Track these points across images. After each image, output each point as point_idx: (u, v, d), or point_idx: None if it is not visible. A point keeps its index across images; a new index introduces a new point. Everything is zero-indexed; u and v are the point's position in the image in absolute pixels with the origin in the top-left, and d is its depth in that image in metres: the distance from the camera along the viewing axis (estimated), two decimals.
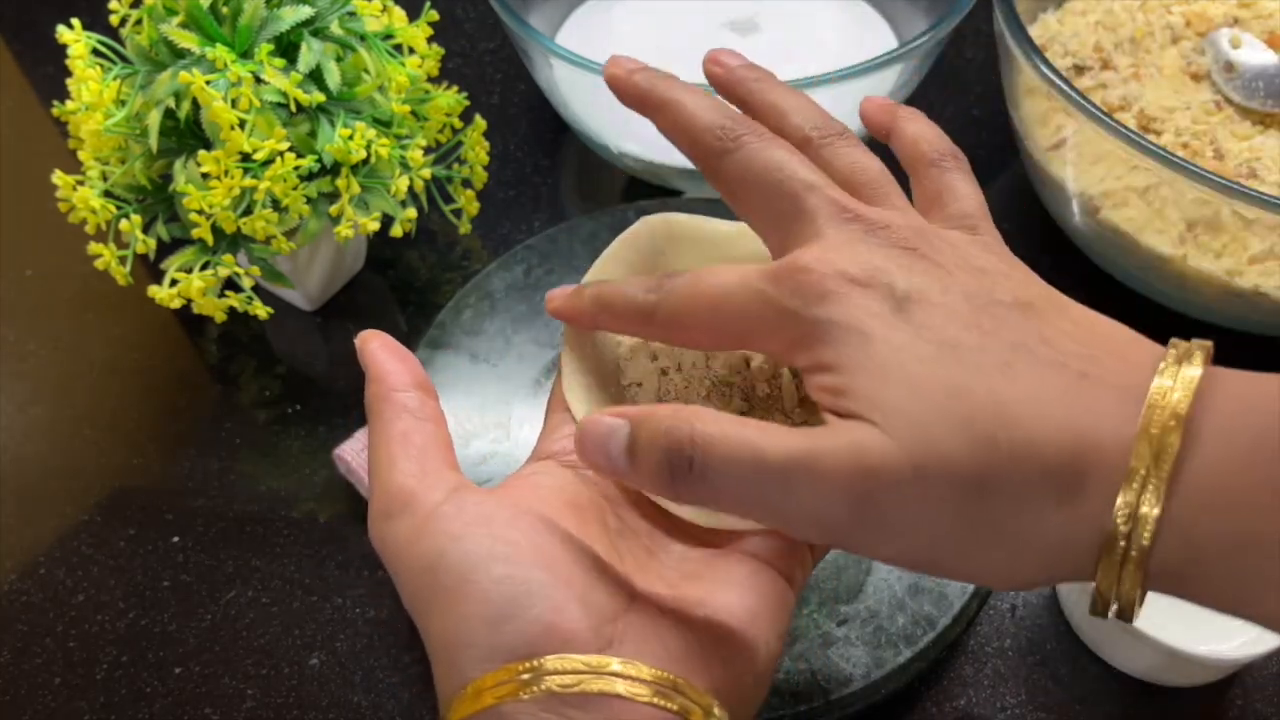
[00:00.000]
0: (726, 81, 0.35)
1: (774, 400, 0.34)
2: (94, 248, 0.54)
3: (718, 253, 0.37)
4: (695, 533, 0.33)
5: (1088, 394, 0.26)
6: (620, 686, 0.27)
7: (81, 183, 0.54)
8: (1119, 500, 0.25)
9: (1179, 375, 0.26)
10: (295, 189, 0.51)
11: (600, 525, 0.32)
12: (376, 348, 0.33)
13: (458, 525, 0.29)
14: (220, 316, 0.55)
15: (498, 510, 0.29)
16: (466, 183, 0.62)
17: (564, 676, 0.27)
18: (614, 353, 0.37)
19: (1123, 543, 0.25)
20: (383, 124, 0.56)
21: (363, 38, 0.55)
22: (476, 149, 0.61)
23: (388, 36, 0.57)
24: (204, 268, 0.53)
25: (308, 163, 0.52)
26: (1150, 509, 0.25)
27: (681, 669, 0.28)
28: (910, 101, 0.70)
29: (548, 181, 0.71)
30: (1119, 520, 0.25)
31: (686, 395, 0.35)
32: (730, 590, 0.30)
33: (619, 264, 0.37)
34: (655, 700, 0.27)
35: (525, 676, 0.27)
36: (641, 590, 0.30)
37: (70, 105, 0.55)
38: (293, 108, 0.52)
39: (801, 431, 0.27)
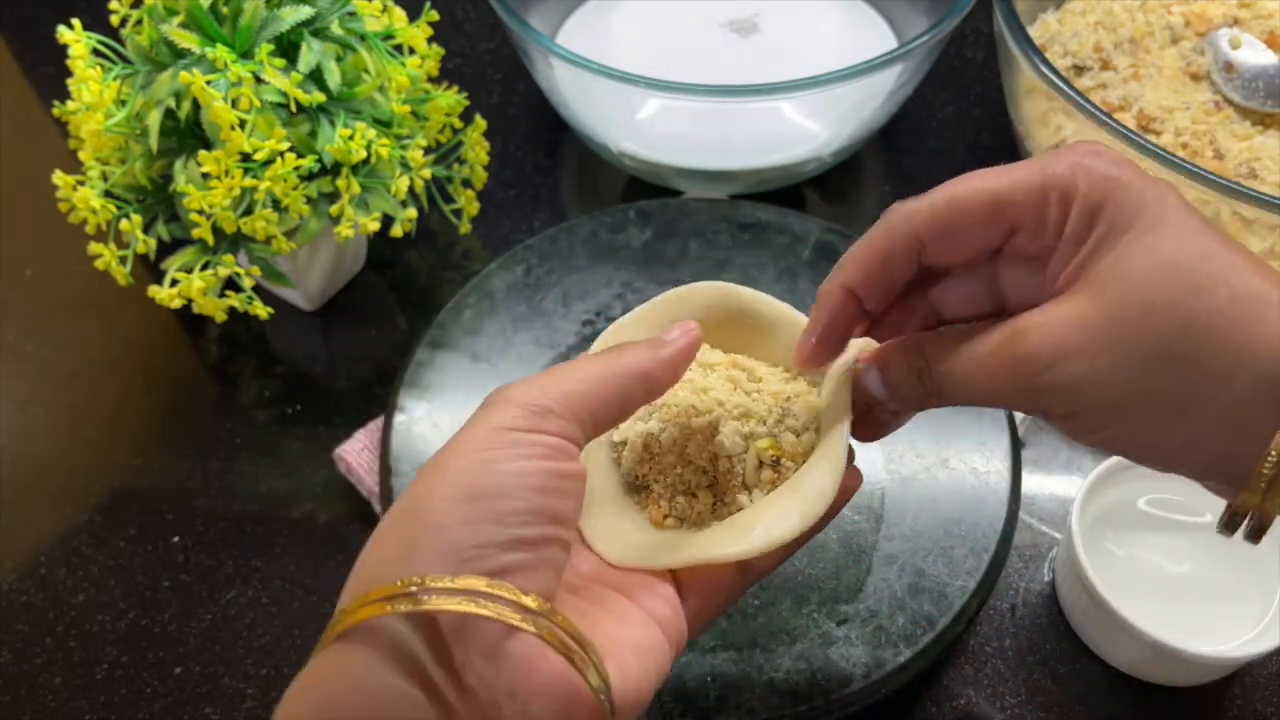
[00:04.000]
0: None
1: (734, 474, 0.37)
2: (94, 248, 0.54)
3: (755, 340, 0.39)
4: (615, 584, 0.34)
5: None
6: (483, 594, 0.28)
7: (82, 183, 0.54)
8: None
9: None
10: (295, 189, 0.51)
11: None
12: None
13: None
14: (220, 316, 0.55)
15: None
16: (466, 183, 0.62)
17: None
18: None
19: (1274, 459, 0.27)
20: (383, 124, 0.56)
21: (363, 38, 0.55)
22: (476, 149, 0.61)
23: (388, 36, 0.57)
24: (204, 268, 0.53)
25: (308, 163, 0.52)
26: None
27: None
28: (910, 101, 0.70)
29: (548, 181, 0.71)
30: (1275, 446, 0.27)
31: (663, 463, 0.37)
32: (625, 622, 0.32)
33: (646, 325, 0.39)
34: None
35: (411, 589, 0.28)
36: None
37: (70, 105, 0.55)
38: (293, 108, 0.52)
39: None
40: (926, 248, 0.32)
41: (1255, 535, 0.30)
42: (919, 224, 0.32)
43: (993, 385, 0.31)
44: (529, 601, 0.28)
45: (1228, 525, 0.30)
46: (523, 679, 0.28)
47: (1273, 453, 0.28)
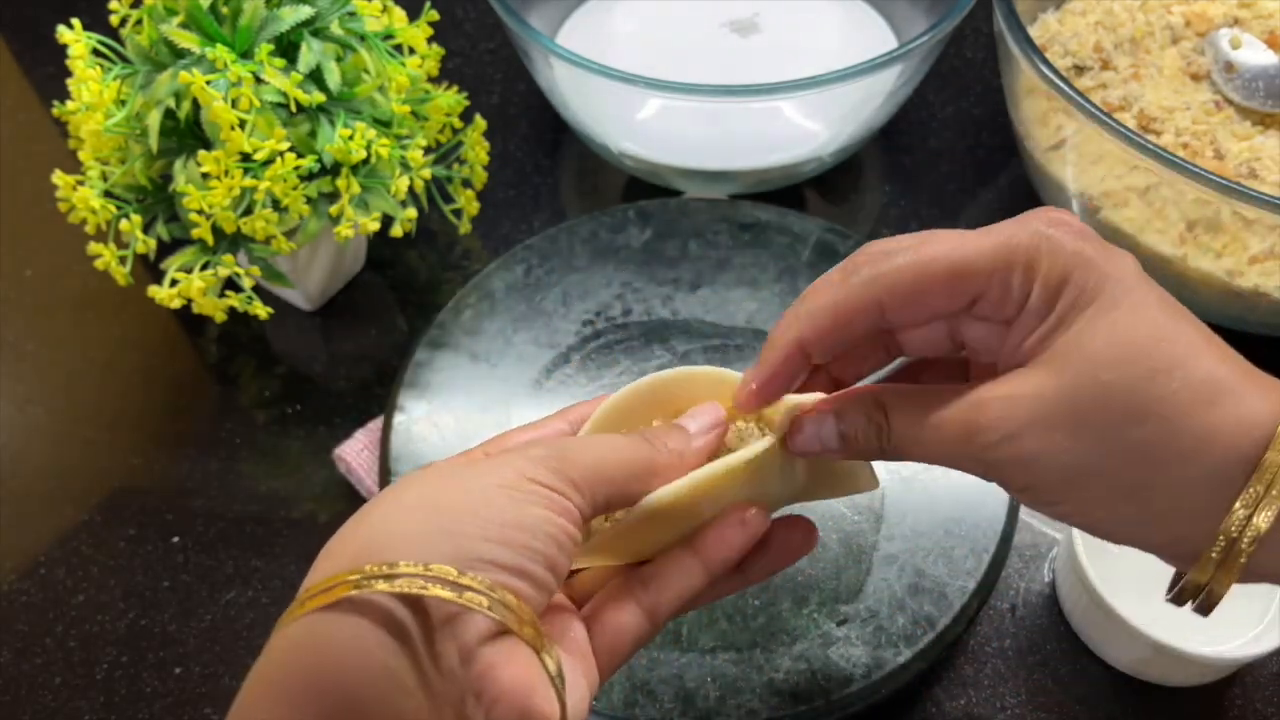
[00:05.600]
0: None
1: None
2: (94, 248, 0.54)
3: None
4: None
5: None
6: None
7: (81, 183, 0.54)
8: (1235, 506, 0.28)
9: None
10: (295, 189, 0.52)
11: None
12: None
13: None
14: (220, 316, 0.55)
15: None
16: (466, 183, 0.62)
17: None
18: None
19: (1222, 542, 0.28)
20: (383, 124, 0.56)
21: (363, 38, 0.55)
22: (476, 149, 0.61)
23: (388, 36, 0.57)
24: (204, 268, 0.53)
25: (308, 163, 0.52)
26: (1262, 522, 0.28)
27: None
28: (910, 101, 0.70)
29: (548, 181, 0.71)
30: (1229, 525, 0.28)
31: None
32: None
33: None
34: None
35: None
36: None
37: (70, 105, 0.55)
38: (293, 108, 0.52)
39: None
40: (887, 312, 0.32)
41: (1204, 609, 0.31)
42: (882, 289, 0.32)
43: (950, 452, 0.31)
44: (520, 608, 0.29)
45: (1176, 599, 0.31)
46: (490, 683, 0.28)
47: (1220, 538, 0.28)
